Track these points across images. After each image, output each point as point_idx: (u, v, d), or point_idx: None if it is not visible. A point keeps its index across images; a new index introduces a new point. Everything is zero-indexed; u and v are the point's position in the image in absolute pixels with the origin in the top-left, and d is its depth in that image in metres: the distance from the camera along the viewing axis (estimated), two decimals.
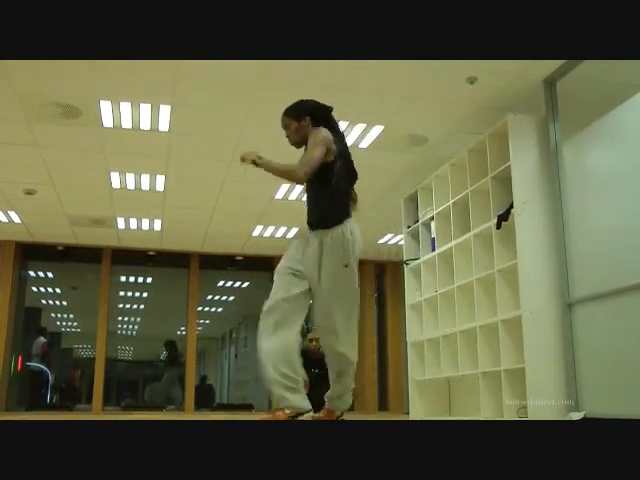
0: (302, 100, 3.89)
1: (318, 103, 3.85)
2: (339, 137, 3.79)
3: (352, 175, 3.91)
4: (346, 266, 3.65)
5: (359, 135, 6.64)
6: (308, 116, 3.78)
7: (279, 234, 10.18)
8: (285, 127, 3.89)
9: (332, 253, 3.65)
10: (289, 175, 3.68)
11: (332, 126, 3.78)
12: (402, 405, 10.60)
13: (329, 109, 3.84)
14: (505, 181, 5.76)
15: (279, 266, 3.83)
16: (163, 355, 15.87)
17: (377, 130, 6.54)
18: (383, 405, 11.79)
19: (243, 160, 3.75)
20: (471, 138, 6.35)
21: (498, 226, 5.76)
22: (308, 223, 3.84)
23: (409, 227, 7.79)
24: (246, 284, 14.94)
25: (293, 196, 8.38)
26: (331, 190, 3.68)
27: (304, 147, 3.82)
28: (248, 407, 13.00)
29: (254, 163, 3.68)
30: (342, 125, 6.39)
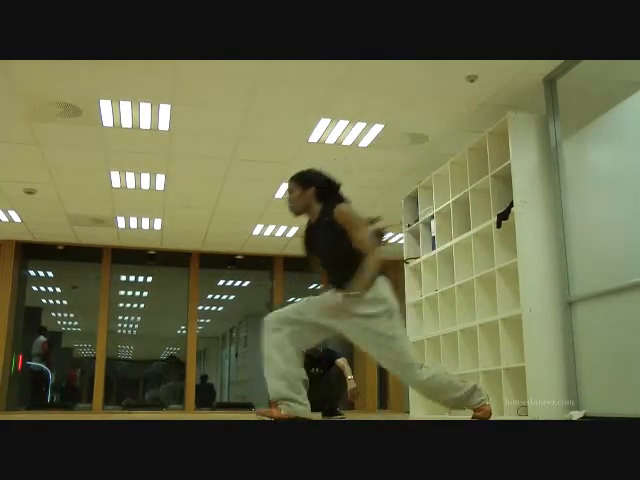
0: (312, 170, 3.95)
1: (327, 178, 3.90)
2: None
3: None
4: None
5: (359, 134, 6.63)
6: (314, 187, 3.83)
7: (279, 233, 10.17)
8: (289, 191, 3.93)
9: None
10: (377, 262, 3.70)
11: (346, 201, 3.83)
12: (403, 404, 10.59)
13: (338, 185, 3.89)
14: (505, 179, 5.75)
15: None
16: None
17: (377, 129, 6.54)
18: (384, 404, 11.79)
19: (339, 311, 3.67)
20: (471, 136, 6.35)
21: (498, 225, 5.75)
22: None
23: (409, 226, 7.79)
24: (246, 283, 14.93)
25: None
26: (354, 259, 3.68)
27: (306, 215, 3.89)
28: (248, 406, 13.00)
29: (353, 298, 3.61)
30: (342, 124, 6.40)
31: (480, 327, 6.03)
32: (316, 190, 3.82)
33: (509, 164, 5.59)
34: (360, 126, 6.48)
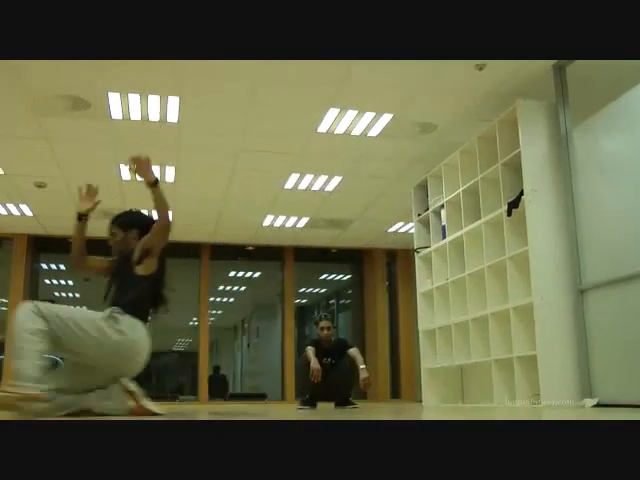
0: (131, 211, 4.16)
1: (147, 218, 4.05)
2: (162, 262, 3.94)
3: (158, 300, 4.03)
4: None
5: (368, 124, 6.61)
6: (136, 229, 3.98)
7: (289, 224, 10.17)
8: (112, 234, 4.11)
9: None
10: (167, 213, 3.87)
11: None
12: (415, 393, 10.61)
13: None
14: (515, 168, 5.72)
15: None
16: None
17: (386, 118, 6.52)
18: (396, 393, 11.80)
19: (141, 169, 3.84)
20: (480, 125, 6.32)
21: (509, 213, 5.73)
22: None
23: (419, 215, 7.77)
24: (257, 274, 14.93)
25: (302, 186, 8.37)
26: (136, 295, 3.83)
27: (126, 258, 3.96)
28: (261, 397, 13.04)
29: (153, 183, 3.82)
30: (351, 114, 6.38)
31: (492, 316, 6.01)
32: (138, 232, 3.98)
33: (519, 152, 5.56)
34: (369, 116, 6.46)
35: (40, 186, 8.25)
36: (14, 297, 10.51)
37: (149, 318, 3.96)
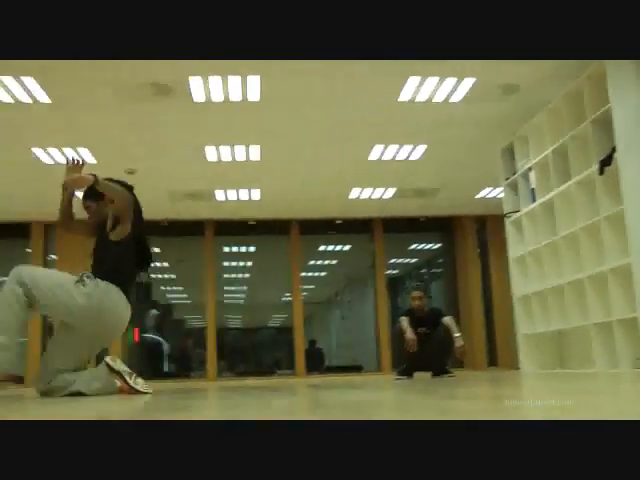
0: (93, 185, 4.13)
1: (119, 182, 4.10)
2: (138, 216, 4.14)
3: (142, 258, 4.29)
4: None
5: (450, 90, 6.49)
6: (105, 196, 4.06)
7: (376, 195, 10.11)
8: (87, 208, 4.20)
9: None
10: (118, 194, 4.00)
11: (136, 203, 4.13)
12: (512, 360, 10.46)
13: (130, 188, 4.15)
14: (605, 124, 5.53)
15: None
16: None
17: (469, 82, 6.38)
18: (493, 361, 11.67)
19: (74, 184, 3.98)
20: (565, 82, 6.10)
21: (601, 172, 5.55)
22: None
23: (507, 179, 7.61)
24: (347, 247, 14.96)
25: (387, 156, 8.31)
26: (112, 261, 4.02)
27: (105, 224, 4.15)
28: (357, 369, 13.11)
29: (94, 184, 3.89)
30: (432, 81, 6.27)
31: (588, 279, 5.86)
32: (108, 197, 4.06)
33: (609, 108, 5.36)
34: (451, 81, 6.33)
35: (130, 172, 8.46)
36: None
37: (135, 279, 4.27)
